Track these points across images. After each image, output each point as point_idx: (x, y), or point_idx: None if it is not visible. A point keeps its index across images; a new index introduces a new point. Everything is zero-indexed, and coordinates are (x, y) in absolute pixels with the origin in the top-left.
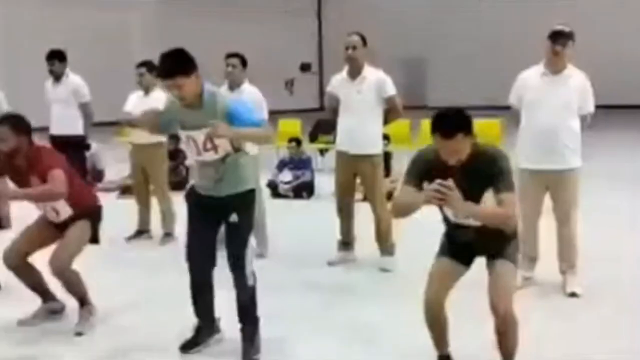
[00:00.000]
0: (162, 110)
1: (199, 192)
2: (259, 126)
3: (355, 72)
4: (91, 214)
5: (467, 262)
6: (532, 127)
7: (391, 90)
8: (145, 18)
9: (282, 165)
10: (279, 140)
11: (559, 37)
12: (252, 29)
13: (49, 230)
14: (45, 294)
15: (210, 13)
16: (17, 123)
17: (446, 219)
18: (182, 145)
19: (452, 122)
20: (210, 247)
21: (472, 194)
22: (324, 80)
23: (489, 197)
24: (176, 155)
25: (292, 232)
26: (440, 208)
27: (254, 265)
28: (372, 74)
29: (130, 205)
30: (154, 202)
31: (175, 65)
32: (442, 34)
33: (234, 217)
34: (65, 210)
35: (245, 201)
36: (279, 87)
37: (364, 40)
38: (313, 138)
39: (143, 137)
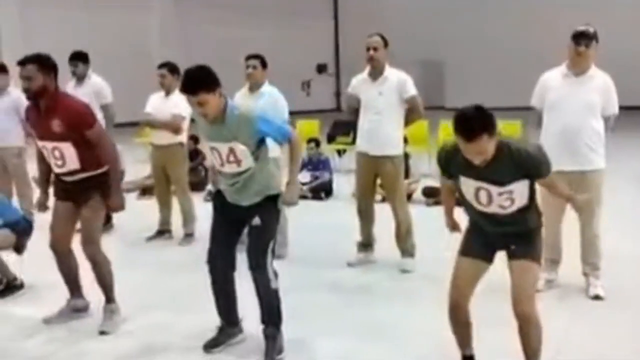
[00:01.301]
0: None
1: (225, 196)
2: (284, 136)
3: (376, 73)
4: (98, 180)
5: (489, 258)
6: (555, 128)
7: (412, 90)
8: (164, 21)
9: (300, 166)
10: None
11: (582, 38)
12: (268, 30)
13: (70, 208)
14: (74, 287)
15: (227, 16)
16: (44, 62)
17: (469, 207)
18: (207, 154)
19: (475, 123)
20: (231, 251)
21: (499, 183)
22: (340, 82)
23: (517, 185)
24: (195, 155)
25: (311, 233)
26: (463, 196)
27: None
28: (393, 75)
29: (149, 205)
30: (175, 203)
31: (198, 82)
32: (459, 35)
33: (256, 221)
34: (71, 160)
35: (269, 206)
36: (296, 89)
37: (385, 41)
38: (331, 139)
39: (164, 137)
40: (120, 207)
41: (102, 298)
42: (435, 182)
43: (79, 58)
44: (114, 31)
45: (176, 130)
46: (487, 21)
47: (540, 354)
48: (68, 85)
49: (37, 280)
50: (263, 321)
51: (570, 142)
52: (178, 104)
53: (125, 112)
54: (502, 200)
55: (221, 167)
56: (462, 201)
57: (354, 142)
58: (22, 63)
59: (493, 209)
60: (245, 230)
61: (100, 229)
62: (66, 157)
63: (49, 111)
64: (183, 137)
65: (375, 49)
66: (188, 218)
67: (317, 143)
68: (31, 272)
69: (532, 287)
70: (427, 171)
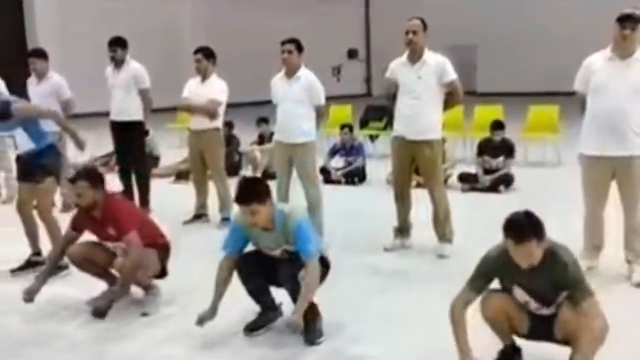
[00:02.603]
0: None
1: None
2: (310, 255)
3: (415, 57)
4: (159, 250)
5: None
6: (598, 113)
7: (452, 74)
8: (195, 7)
9: (333, 152)
10: (330, 127)
11: (627, 21)
12: (299, 16)
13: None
14: (109, 280)
15: (258, 2)
16: (93, 178)
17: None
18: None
19: (525, 228)
20: (264, 269)
21: (545, 295)
22: (371, 67)
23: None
24: (230, 141)
25: (346, 218)
26: (510, 292)
27: None
28: (432, 59)
29: (184, 190)
30: (211, 187)
31: (252, 193)
32: (491, 20)
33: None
34: None
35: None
36: (326, 74)
37: (424, 24)
38: (363, 124)
39: (201, 122)
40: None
41: None
42: (470, 168)
43: (118, 43)
44: (146, 17)
45: (213, 115)
46: (519, 5)
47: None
48: (106, 70)
49: None
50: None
51: (615, 127)
52: (215, 89)
53: (157, 98)
54: (548, 312)
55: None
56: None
57: (386, 127)
58: (73, 180)
59: (540, 312)
60: None
61: (153, 269)
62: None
63: (103, 219)
64: (219, 122)
65: (414, 32)
66: (225, 202)
67: (351, 128)
68: None
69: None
70: (461, 156)
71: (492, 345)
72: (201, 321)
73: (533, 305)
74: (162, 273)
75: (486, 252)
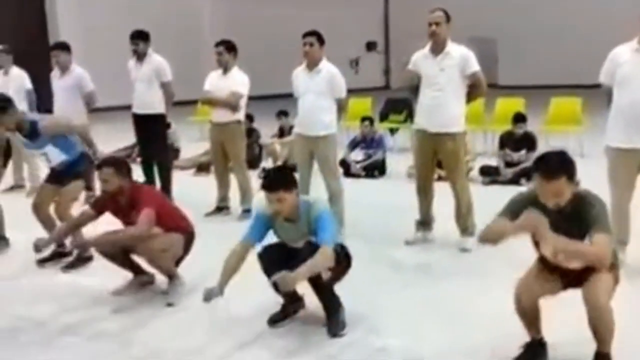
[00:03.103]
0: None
1: None
2: (326, 242)
3: (438, 49)
4: (184, 236)
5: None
6: (624, 105)
7: (475, 66)
8: (216, 1)
9: (354, 144)
10: (350, 119)
11: None
12: (317, 8)
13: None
14: (134, 270)
15: None
16: (119, 165)
17: (543, 260)
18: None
19: (556, 164)
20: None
21: (572, 238)
22: (389, 59)
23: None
24: (250, 133)
25: (367, 211)
26: (537, 246)
27: None
28: (455, 50)
29: (205, 182)
30: (232, 179)
31: (279, 181)
32: (512, 12)
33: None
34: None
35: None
36: (345, 66)
37: (447, 15)
38: (383, 117)
39: (222, 115)
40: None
41: None
42: (491, 161)
43: (140, 37)
44: (166, 11)
45: (234, 107)
46: None
47: (612, 337)
48: (129, 64)
49: None
50: (321, 301)
51: None
52: (236, 82)
53: (177, 91)
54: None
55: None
56: (536, 248)
57: (406, 120)
58: (99, 167)
59: (566, 263)
60: None
61: (174, 258)
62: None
63: (129, 206)
64: (241, 115)
65: (437, 24)
66: (246, 194)
67: (371, 121)
68: None
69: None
70: (482, 150)
71: (512, 341)
72: (208, 297)
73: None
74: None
75: (517, 193)
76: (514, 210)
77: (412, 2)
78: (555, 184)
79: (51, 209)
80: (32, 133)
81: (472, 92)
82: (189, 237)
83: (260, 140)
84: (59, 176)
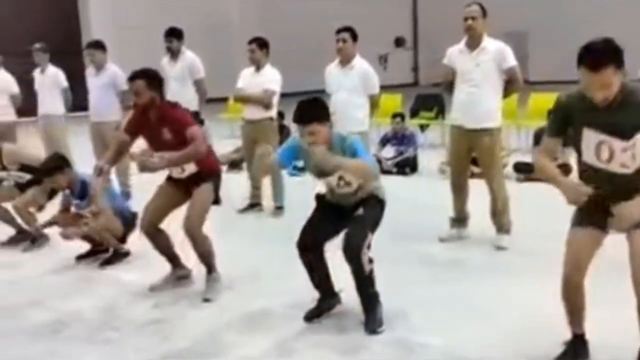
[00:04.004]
0: (283, 148)
1: (327, 198)
2: (366, 158)
3: (474, 43)
4: (212, 175)
5: (605, 226)
6: None
7: (512, 61)
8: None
9: (385, 141)
10: (380, 116)
11: None
12: (346, 5)
13: (175, 196)
14: (174, 259)
15: None
16: (152, 78)
17: (585, 169)
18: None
19: (602, 53)
20: (324, 232)
21: (623, 131)
22: (418, 55)
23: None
24: (281, 130)
25: (400, 208)
26: (581, 155)
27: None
28: (492, 45)
29: (237, 179)
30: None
31: (312, 113)
32: (543, 5)
33: (360, 211)
34: (190, 168)
35: (374, 202)
36: (373, 63)
37: (483, 10)
38: (414, 114)
39: (255, 112)
40: (147, 167)
41: (204, 268)
42: (526, 158)
43: (174, 34)
44: (197, 8)
45: (267, 104)
46: None
47: None
48: (162, 61)
49: (142, 248)
50: (360, 294)
51: None
52: (269, 79)
53: (208, 88)
54: (624, 157)
55: (332, 193)
56: (578, 163)
57: (437, 117)
58: (131, 79)
59: (614, 167)
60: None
61: (206, 213)
62: (185, 165)
63: (158, 121)
64: (274, 112)
65: (473, 18)
66: (278, 191)
67: (403, 117)
68: (135, 240)
69: None
70: (516, 146)
71: (551, 339)
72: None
73: (611, 144)
74: (216, 200)
75: (560, 95)
76: (559, 121)
77: None
78: (602, 75)
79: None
80: (82, 193)
81: (508, 87)
82: (218, 178)
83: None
84: None
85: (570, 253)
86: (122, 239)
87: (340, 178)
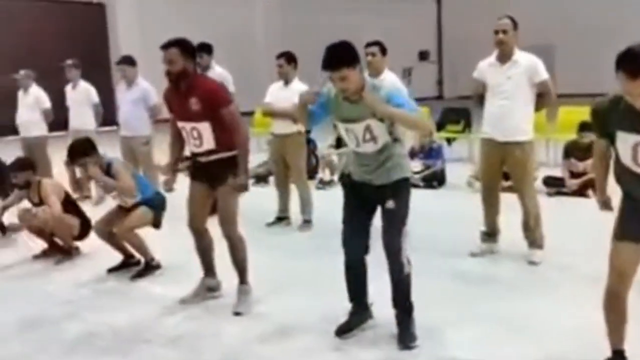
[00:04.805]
0: (314, 105)
1: (354, 179)
2: (416, 109)
3: (505, 57)
4: (233, 162)
5: None
6: None
7: (544, 74)
8: (268, 13)
9: (412, 155)
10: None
11: None
12: (370, 18)
13: (204, 189)
14: (209, 266)
15: (329, 5)
16: (186, 47)
17: (624, 174)
18: (342, 136)
19: None
20: (365, 234)
21: None
22: (443, 69)
23: None
24: (307, 144)
25: (428, 222)
26: (618, 159)
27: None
28: (523, 58)
29: (264, 192)
30: (292, 190)
31: (340, 57)
32: (569, 17)
33: (390, 204)
34: (208, 141)
35: (401, 188)
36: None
37: (514, 23)
38: (440, 127)
39: (283, 126)
40: (245, 188)
41: (236, 280)
42: (554, 172)
43: (204, 49)
44: (220, 23)
45: (295, 119)
46: (599, 2)
47: None
48: None
49: (172, 262)
50: (395, 305)
51: None
52: (297, 93)
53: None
54: None
55: (357, 147)
56: (616, 168)
57: (464, 130)
58: (165, 47)
59: None
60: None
61: (237, 209)
62: (203, 137)
63: (188, 91)
64: (301, 126)
65: (504, 31)
66: (306, 205)
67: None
68: (166, 254)
69: None
70: (544, 159)
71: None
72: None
73: None
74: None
75: (597, 101)
76: (602, 127)
77: (465, 11)
78: None
79: None
80: (107, 173)
81: (540, 101)
82: (233, 161)
83: (317, 151)
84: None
85: (613, 265)
86: (156, 225)
87: (367, 128)
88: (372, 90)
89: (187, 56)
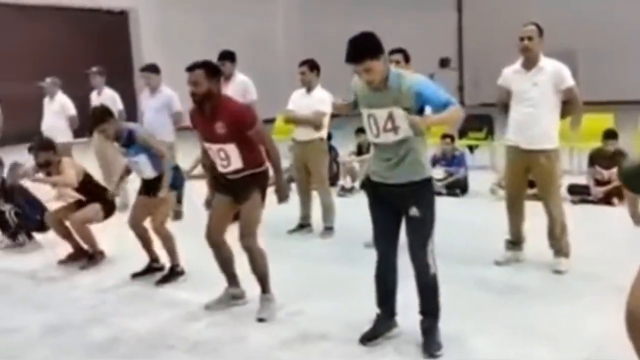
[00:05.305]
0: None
1: (375, 180)
2: (447, 105)
3: (530, 63)
4: (259, 178)
5: None
6: None
7: (570, 81)
8: (288, 20)
9: (434, 162)
10: (430, 137)
11: None
12: (391, 25)
13: (229, 203)
14: (231, 276)
15: (350, 12)
16: (210, 68)
17: None
18: (364, 125)
19: None
20: (394, 236)
21: None
22: (464, 76)
23: None
24: (328, 151)
25: (452, 230)
26: None
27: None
28: (549, 65)
29: None
30: (314, 197)
31: (363, 49)
32: (592, 22)
33: (414, 211)
34: (235, 160)
35: (424, 192)
36: None
37: (540, 29)
38: (462, 134)
39: (305, 133)
40: (287, 197)
41: (258, 288)
42: (578, 180)
43: (227, 57)
44: (241, 31)
45: (318, 126)
46: (622, 8)
47: None
48: None
49: (197, 268)
50: (422, 311)
51: None
52: (319, 100)
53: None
54: None
55: (376, 137)
56: None
57: (486, 137)
58: (191, 69)
59: None
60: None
61: (258, 223)
62: (231, 157)
63: (213, 114)
64: (324, 133)
65: (529, 38)
66: (328, 211)
67: (452, 138)
68: (191, 260)
69: None
70: (568, 167)
71: None
72: None
73: None
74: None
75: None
76: None
77: (487, 16)
78: None
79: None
80: (128, 140)
81: (566, 108)
82: (264, 177)
83: (338, 158)
84: (151, 187)
85: (636, 284)
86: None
87: (390, 117)
88: (397, 79)
89: (211, 78)
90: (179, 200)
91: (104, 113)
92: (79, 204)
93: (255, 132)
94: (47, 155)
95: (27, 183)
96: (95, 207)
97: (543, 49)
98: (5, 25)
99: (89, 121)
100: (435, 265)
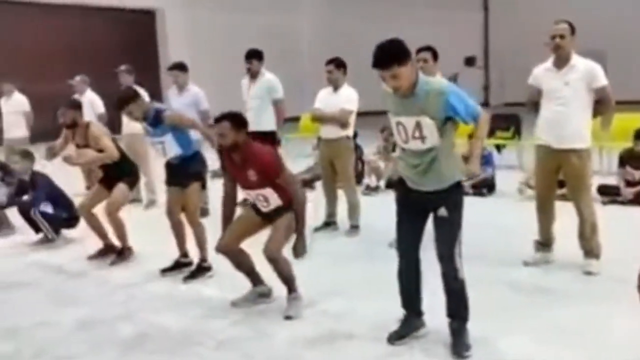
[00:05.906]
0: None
1: (407, 184)
2: (475, 118)
3: (562, 62)
4: (291, 206)
5: None
6: None
7: (603, 80)
8: (314, 20)
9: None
10: (457, 136)
11: None
12: (416, 24)
13: (256, 223)
14: (254, 277)
15: (375, 11)
16: (236, 120)
17: None
18: (393, 131)
19: None
20: (418, 237)
21: None
22: (489, 75)
23: None
24: (354, 149)
25: (479, 230)
26: None
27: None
28: (581, 63)
29: (311, 198)
30: (340, 195)
31: (391, 56)
32: (621, 24)
33: (442, 212)
34: (274, 201)
35: (453, 195)
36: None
37: (572, 28)
38: (490, 133)
39: (332, 131)
40: (305, 252)
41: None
42: (608, 180)
43: (254, 56)
44: (266, 30)
45: (344, 124)
46: None
47: None
48: (242, 83)
49: (224, 264)
50: (450, 314)
51: None
52: (346, 99)
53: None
54: None
55: (405, 144)
56: None
57: (514, 136)
58: (217, 120)
59: None
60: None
61: (287, 240)
62: (270, 200)
63: (243, 162)
64: (350, 131)
65: (561, 36)
66: (354, 210)
67: None
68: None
69: None
70: (597, 168)
71: None
72: None
73: None
74: None
75: None
76: None
77: (513, 15)
78: None
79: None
80: (155, 120)
81: (598, 107)
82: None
83: (363, 157)
84: (175, 174)
85: None
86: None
87: (417, 125)
88: (425, 87)
89: (237, 129)
90: (204, 187)
91: (129, 94)
92: (104, 184)
93: (283, 180)
94: (74, 114)
95: (53, 176)
96: (121, 188)
97: (575, 48)
98: (35, 24)
99: (116, 104)
100: (462, 269)
